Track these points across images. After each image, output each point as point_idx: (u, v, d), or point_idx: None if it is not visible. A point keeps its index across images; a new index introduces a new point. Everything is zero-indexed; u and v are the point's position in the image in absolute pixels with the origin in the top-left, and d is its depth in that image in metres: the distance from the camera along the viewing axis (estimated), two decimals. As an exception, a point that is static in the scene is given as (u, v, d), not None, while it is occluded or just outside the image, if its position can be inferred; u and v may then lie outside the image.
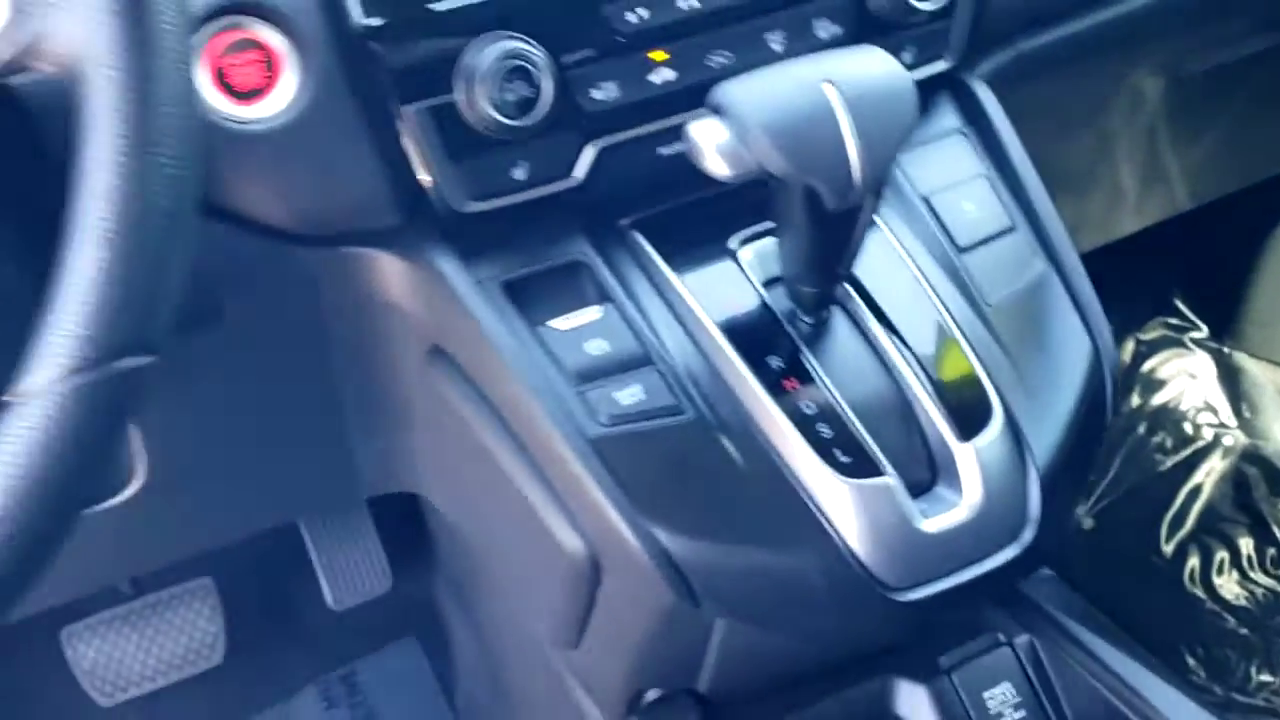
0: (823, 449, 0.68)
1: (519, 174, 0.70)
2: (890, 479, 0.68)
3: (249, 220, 0.68)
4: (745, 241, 0.74)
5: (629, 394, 0.68)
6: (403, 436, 0.82)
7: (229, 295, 0.72)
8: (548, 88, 0.66)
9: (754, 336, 0.70)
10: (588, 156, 0.71)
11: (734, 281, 0.73)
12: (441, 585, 1.24)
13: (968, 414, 0.71)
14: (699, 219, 0.75)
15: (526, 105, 0.66)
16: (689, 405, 0.68)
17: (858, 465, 0.68)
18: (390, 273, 0.71)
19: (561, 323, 0.70)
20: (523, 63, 0.65)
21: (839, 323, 0.73)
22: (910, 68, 0.72)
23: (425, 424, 0.80)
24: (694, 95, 0.69)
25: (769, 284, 0.73)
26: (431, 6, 0.66)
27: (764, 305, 0.72)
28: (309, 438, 0.84)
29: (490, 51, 0.65)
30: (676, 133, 0.69)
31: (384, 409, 0.81)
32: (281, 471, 0.86)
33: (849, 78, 0.61)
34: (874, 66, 0.63)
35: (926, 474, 0.71)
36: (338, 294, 0.74)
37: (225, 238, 0.68)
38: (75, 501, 0.44)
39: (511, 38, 0.66)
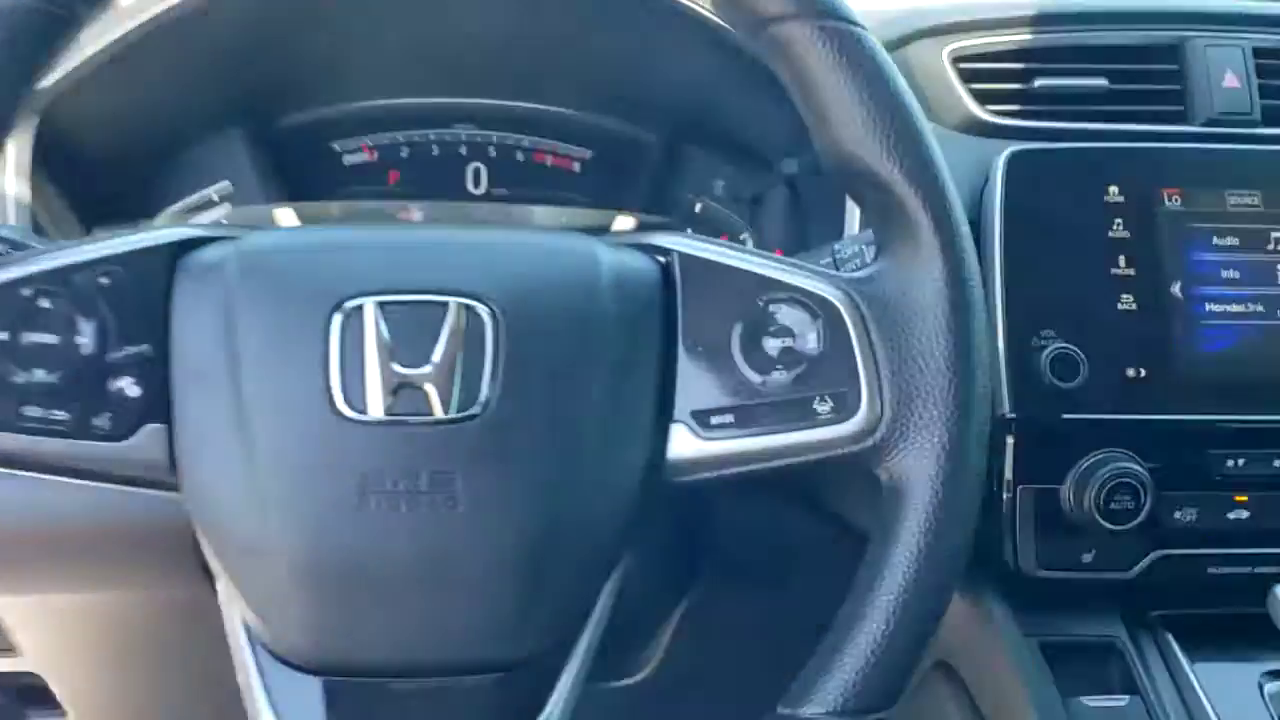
0: None
1: (1086, 558, 0.80)
2: None
3: (833, 514, 0.83)
4: (1270, 675, 0.82)
5: (1142, 788, 0.76)
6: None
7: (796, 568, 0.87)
8: (1146, 506, 0.77)
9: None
10: (1148, 560, 0.81)
11: (1254, 706, 0.80)
12: None
13: None
14: (1228, 630, 0.83)
15: (1125, 517, 0.77)
16: None
17: None
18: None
19: (1091, 701, 0.80)
20: (1133, 481, 0.77)
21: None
22: None
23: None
24: (1258, 537, 0.79)
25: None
26: (1066, 416, 0.78)
27: None
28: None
29: (1108, 465, 0.77)
30: (1230, 559, 0.79)
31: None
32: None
33: None
34: None
35: None
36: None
37: (806, 527, 0.83)
38: None
39: (1129, 458, 0.78)
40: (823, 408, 0.58)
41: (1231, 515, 0.81)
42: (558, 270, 0.58)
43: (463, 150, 1.00)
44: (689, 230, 0.96)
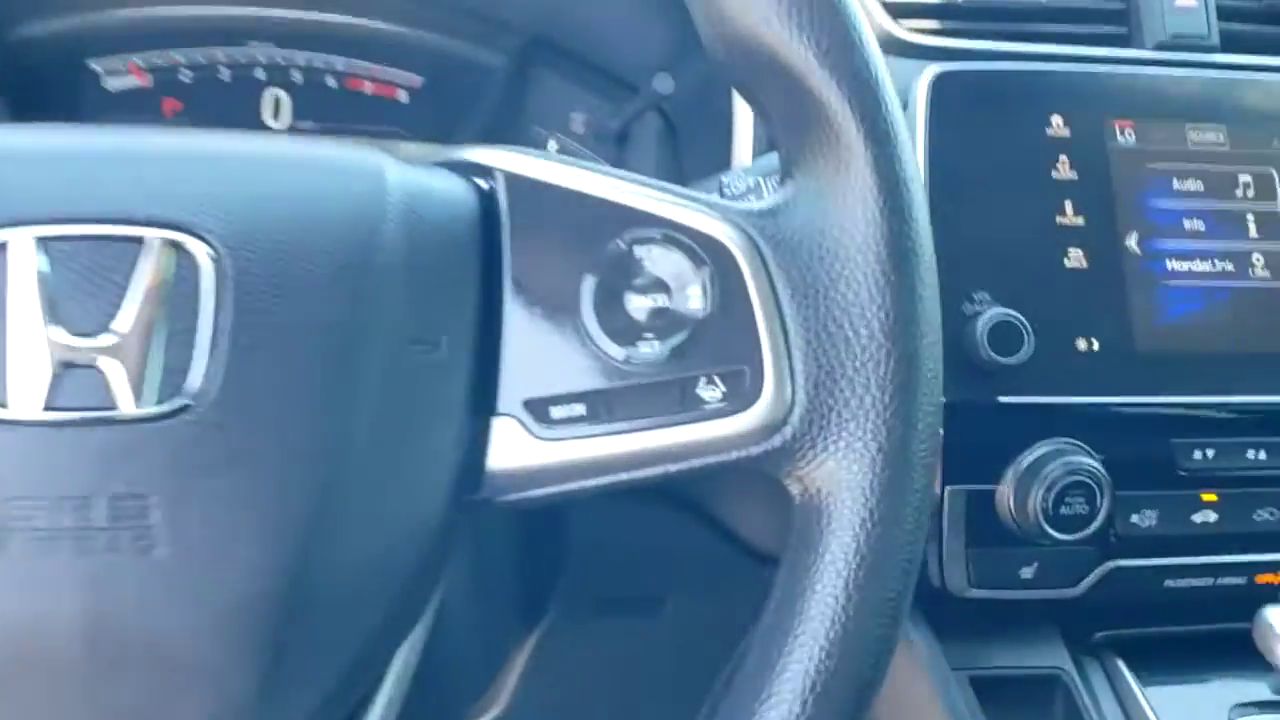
0: None
1: (1026, 573, 0.66)
2: None
3: (728, 530, 0.67)
4: (1242, 708, 0.68)
5: None
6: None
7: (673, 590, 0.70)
8: (1103, 510, 0.62)
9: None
10: (1097, 573, 0.67)
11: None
12: None
13: None
14: (1187, 654, 0.70)
15: (1078, 524, 0.62)
16: None
17: None
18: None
19: (1033, 749, 0.65)
20: (1087, 479, 0.62)
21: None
22: None
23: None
24: (1225, 543, 0.66)
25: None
26: (1005, 400, 0.63)
27: None
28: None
29: (1057, 459, 0.62)
30: (1190, 570, 0.66)
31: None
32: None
33: None
34: None
35: None
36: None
37: (690, 539, 0.66)
38: None
39: (1080, 450, 0.63)
40: (710, 393, 0.41)
41: (1197, 518, 0.67)
42: (320, 193, 0.40)
43: (259, 74, 0.80)
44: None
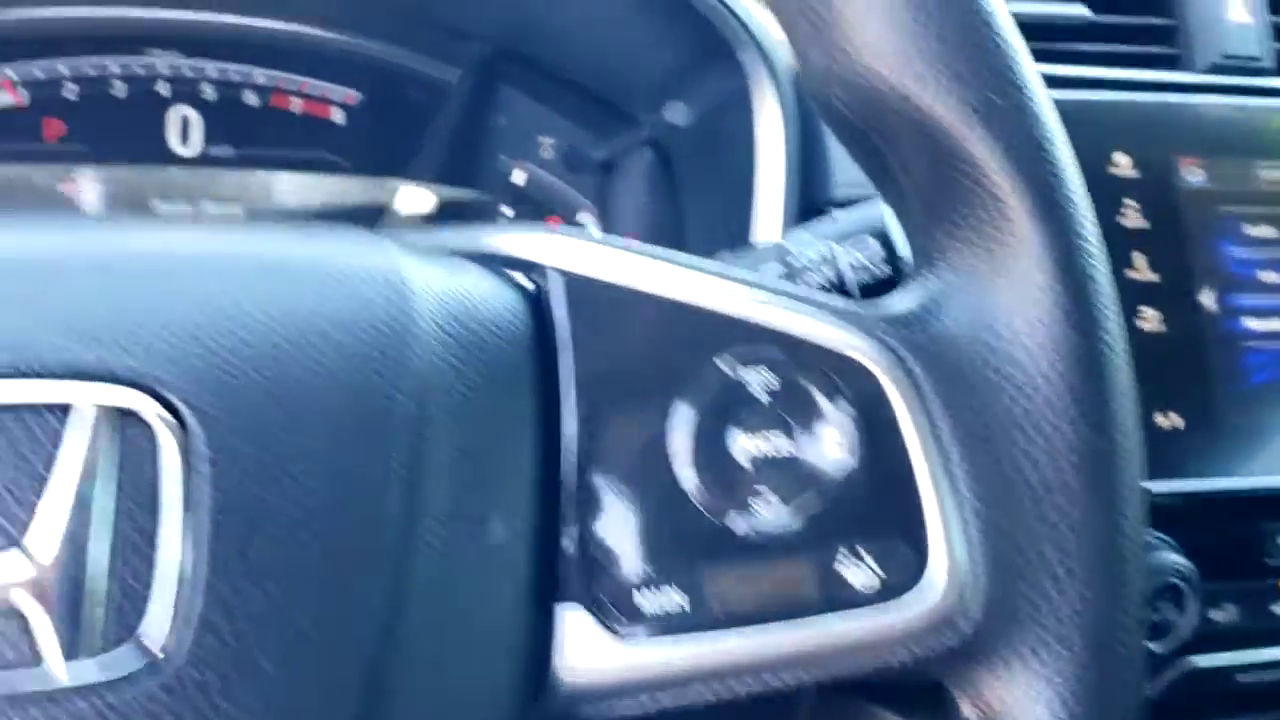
0: None
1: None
2: None
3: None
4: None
5: None
6: None
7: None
8: (1193, 613, 0.54)
9: None
10: (1168, 677, 0.59)
11: None
12: None
13: None
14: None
15: (1164, 632, 0.54)
16: None
17: None
18: None
19: None
20: (1178, 581, 0.53)
21: None
22: None
23: None
24: None
25: None
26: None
27: None
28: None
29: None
30: (1264, 665, 0.59)
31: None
32: None
33: None
34: None
35: None
36: None
37: None
38: None
39: (1166, 545, 0.54)
40: (855, 573, 0.31)
41: (1277, 609, 0.59)
42: (323, 316, 0.28)
43: (162, 89, 0.67)
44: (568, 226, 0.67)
